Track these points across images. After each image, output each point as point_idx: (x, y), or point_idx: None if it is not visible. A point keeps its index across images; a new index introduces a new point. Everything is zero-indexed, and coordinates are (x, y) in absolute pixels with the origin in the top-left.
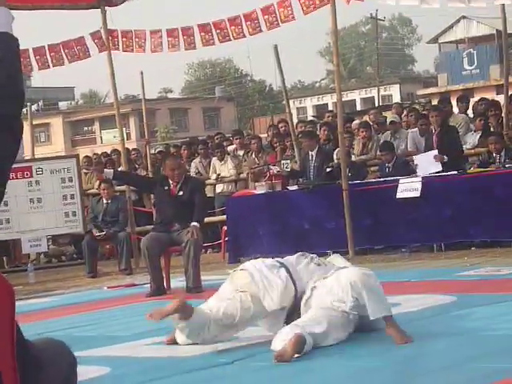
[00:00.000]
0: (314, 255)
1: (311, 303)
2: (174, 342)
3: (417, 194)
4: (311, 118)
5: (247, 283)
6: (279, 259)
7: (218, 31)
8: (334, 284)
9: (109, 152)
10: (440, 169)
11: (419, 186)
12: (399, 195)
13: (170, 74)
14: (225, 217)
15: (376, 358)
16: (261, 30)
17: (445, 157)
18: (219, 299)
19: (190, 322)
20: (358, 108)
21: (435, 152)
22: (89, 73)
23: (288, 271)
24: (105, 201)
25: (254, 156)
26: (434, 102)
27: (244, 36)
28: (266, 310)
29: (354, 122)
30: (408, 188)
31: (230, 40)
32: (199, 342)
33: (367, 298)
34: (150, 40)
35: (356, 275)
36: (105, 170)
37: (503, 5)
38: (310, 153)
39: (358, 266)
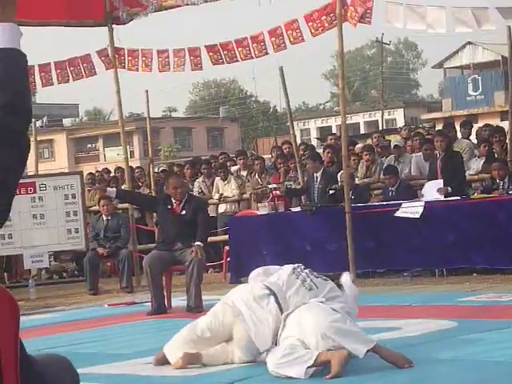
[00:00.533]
0: (308, 272)
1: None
2: (162, 363)
3: (417, 215)
4: (314, 140)
5: (236, 324)
6: (270, 281)
7: (225, 52)
8: (303, 325)
9: (112, 169)
10: (443, 198)
11: (421, 209)
12: (398, 214)
13: (174, 93)
14: (227, 237)
15: (378, 381)
16: (267, 53)
17: (449, 188)
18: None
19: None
20: (362, 131)
21: (440, 183)
22: (94, 90)
23: (277, 300)
24: (105, 217)
25: (257, 177)
26: (438, 126)
27: (252, 57)
28: (257, 348)
29: (358, 146)
30: (409, 211)
31: (237, 61)
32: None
33: (345, 343)
34: (158, 59)
35: (324, 326)
36: (108, 188)
37: (509, 31)
38: (314, 175)
39: (325, 310)
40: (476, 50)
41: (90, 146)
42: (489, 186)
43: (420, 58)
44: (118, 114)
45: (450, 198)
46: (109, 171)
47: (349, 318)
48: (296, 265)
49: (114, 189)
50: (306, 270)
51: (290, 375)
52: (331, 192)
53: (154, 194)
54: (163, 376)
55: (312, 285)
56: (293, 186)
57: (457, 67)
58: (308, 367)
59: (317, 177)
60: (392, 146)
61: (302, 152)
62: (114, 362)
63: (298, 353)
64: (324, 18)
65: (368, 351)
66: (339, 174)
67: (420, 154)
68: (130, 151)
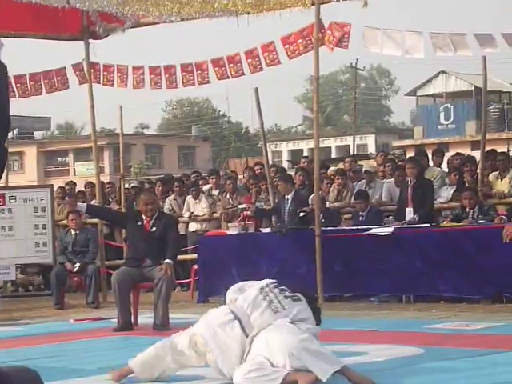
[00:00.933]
0: (278, 292)
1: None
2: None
3: (389, 231)
4: (286, 162)
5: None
6: (237, 303)
7: (198, 72)
8: (270, 344)
9: (81, 184)
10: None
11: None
12: (373, 232)
13: (146, 110)
14: (196, 255)
15: None
16: (243, 73)
17: (416, 217)
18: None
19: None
20: (333, 155)
21: (411, 212)
22: (66, 104)
23: (241, 325)
24: (73, 232)
25: (228, 196)
26: (409, 153)
27: (227, 77)
28: (225, 374)
29: (330, 169)
30: (380, 231)
31: (208, 82)
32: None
33: (312, 362)
34: (132, 76)
35: (292, 345)
36: (78, 203)
37: (484, 60)
38: (285, 196)
39: (293, 329)
40: (449, 79)
41: (60, 159)
42: (458, 215)
43: (393, 84)
44: (90, 129)
45: (419, 225)
46: (74, 184)
47: (316, 339)
48: (267, 282)
49: (85, 204)
50: (275, 290)
51: None
52: (302, 214)
53: (123, 210)
54: None
55: (279, 307)
56: (263, 207)
57: (429, 95)
58: None
59: (288, 199)
60: (363, 172)
61: (273, 174)
62: (78, 377)
63: (265, 370)
64: (300, 41)
65: (335, 373)
66: (310, 197)
67: (392, 180)
68: (100, 166)
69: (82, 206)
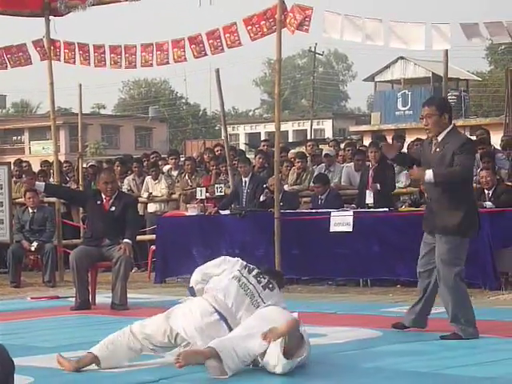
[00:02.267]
0: (255, 282)
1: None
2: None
3: (349, 228)
4: (243, 145)
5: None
6: (218, 299)
7: (158, 52)
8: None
9: (37, 163)
10: (371, 201)
11: (351, 220)
12: (333, 229)
13: (103, 90)
14: (154, 236)
15: None
16: (206, 54)
17: (377, 185)
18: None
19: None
20: (290, 139)
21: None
22: (22, 82)
23: (228, 324)
24: (30, 210)
25: (186, 177)
26: (366, 139)
27: (185, 60)
28: None
29: (291, 152)
30: (341, 222)
31: (168, 63)
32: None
33: None
34: (94, 54)
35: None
36: (36, 182)
37: (447, 52)
38: (243, 179)
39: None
40: (407, 66)
41: (15, 138)
42: (417, 200)
43: (350, 70)
44: (49, 107)
45: (377, 210)
46: (21, 161)
47: None
48: (239, 267)
49: (43, 183)
50: (251, 278)
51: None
52: (262, 199)
53: (81, 189)
54: (86, 371)
55: (260, 301)
56: (223, 189)
57: (388, 81)
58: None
59: (245, 181)
60: (323, 155)
61: (232, 156)
62: (37, 354)
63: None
64: (263, 22)
65: None
66: (270, 179)
67: (351, 164)
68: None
69: (40, 184)
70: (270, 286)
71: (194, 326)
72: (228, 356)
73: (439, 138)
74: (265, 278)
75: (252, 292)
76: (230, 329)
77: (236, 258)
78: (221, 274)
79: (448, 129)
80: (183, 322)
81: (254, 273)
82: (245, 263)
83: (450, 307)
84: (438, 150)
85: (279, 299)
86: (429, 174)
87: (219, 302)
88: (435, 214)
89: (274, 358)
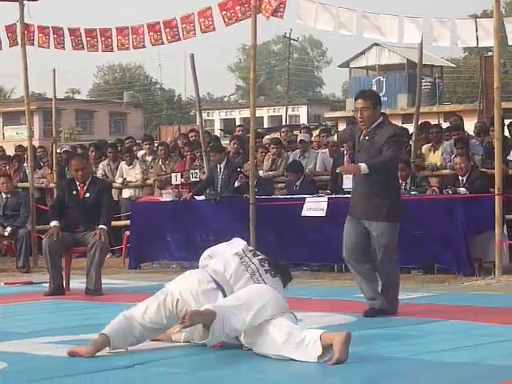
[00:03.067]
0: (257, 263)
1: None
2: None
3: (322, 213)
4: (218, 131)
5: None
6: (217, 271)
7: (134, 36)
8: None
9: (11, 148)
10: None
11: (325, 205)
12: (305, 213)
13: (77, 75)
14: (129, 222)
15: (277, 370)
16: (180, 39)
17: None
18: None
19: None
20: (266, 125)
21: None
22: None
23: (225, 295)
24: (4, 195)
25: (160, 163)
26: (341, 125)
27: (162, 43)
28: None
29: (266, 137)
30: (314, 207)
31: (144, 47)
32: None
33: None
34: (70, 38)
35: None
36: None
37: (421, 40)
38: (218, 165)
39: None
40: (382, 52)
41: None
42: None
43: (325, 56)
44: (23, 92)
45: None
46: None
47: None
48: (243, 248)
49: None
50: (255, 260)
51: (299, 359)
52: (237, 185)
53: (55, 175)
54: (60, 357)
55: (260, 280)
56: (198, 175)
57: (363, 67)
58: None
59: (220, 167)
60: (298, 141)
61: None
62: (10, 340)
63: (296, 337)
64: (238, 7)
65: None
66: (245, 165)
67: (326, 150)
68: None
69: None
70: (273, 273)
71: (190, 290)
72: (217, 322)
73: (369, 128)
74: (268, 266)
75: (253, 270)
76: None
77: (242, 240)
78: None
79: (379, 120)
80: (180, 285)
81: (258, 257)
82: (251, 247)
83: (384, 289)
84: (367, 137)
85: (279, 287)
86: (364, 167)
87: (218, 274)
88: (365, 201)
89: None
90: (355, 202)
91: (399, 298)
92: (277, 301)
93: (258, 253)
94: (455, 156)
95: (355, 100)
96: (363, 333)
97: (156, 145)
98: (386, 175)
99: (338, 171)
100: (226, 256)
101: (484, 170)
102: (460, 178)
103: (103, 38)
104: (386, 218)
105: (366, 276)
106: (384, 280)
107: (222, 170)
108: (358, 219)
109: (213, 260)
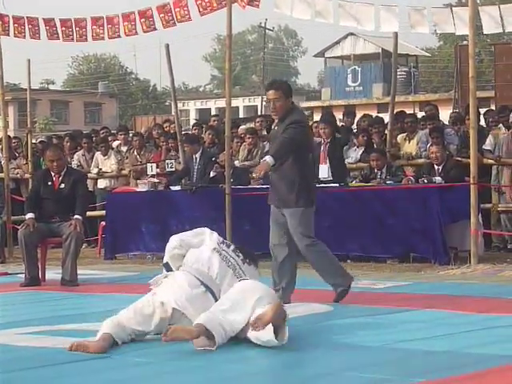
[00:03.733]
0: (234, 256)
1: None
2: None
3: None
4: (193, 121)
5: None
6: (201, 271)
7: (109, 26)
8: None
9: None
10: (326, 175)
11: None
12: None
13: (52, 66)
14: (104, 212)
15: (253, 362)
16: (155, 29)
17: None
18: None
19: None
20: (241, 115)
21: (325, 169)
22: None
23: (214, 296)
24: None
25: (135, 153)
26: (316, 115)
27: (136, 33)
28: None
29: (241, 127)
30: None
31: (119, 37)
32: None
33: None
34: (45, 28)
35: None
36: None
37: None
38: (193, 156)
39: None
40: (357, 41)
41: None
42: (367, 175)
43: (300, 45)
44: None
45: (328, 185)
46: None
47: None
48: (218, 243)
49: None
50: (231, 253)
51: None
52: (212, 175)
53: (30, 166)
54: (34, 347)
55: (241, 273)
56: (174, 165)
57: (338, 57)
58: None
59: (196, 158)
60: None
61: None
62: None
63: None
64: None
65: None
66: (221, 155)
67: None
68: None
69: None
70: (248, 260)
71: (185, 296)
72: (217, 333)
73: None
74: (243, 255)
75: (234, 264)
76: (216, 300)
77: (211, 231)
78: (199, 246)
79: (288, 109)
80: (173, 295)
81: (231, 248)
82: (221, 238)
83: (323, 274)
84: (277, 127)
85: (256, 275)
86: (269, 160)
87: (203, 275)
88: (276, 188)
89: (265, 336)
90: (271, 189)
91: (375, 286)
92: (266, 290)
93: (228, 242)
94: (431, 145)
95: (266, 91)
96: (341, 321)
97: (131, 135)
98: (292, 162)
99: (253, 177)
100: (204, 253)
101: (459, 159)
102: (436, 167)
103: (78, 28)
104: (295, 204)
105: (283, 265)
106: (314, 266)
107: (198, 160)
108: (276, 207)
109: (189, 257)
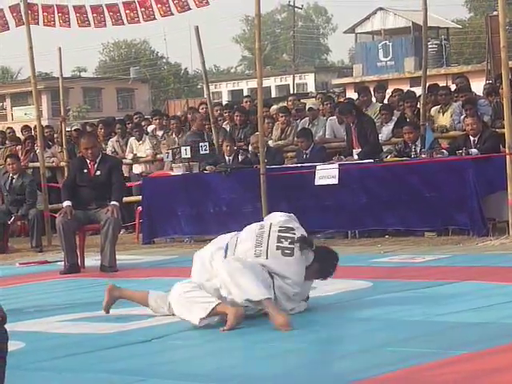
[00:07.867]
0: (274, 236)
1: None
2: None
3: (335, 181)
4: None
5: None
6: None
7: (142, 9)
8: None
9: (18, 129)
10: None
11: (336, 173)
12: (318, 182)
13: (83, 53)
14: (140, 197)
15: (294, 339)
16: (190, 8)
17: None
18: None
19: None
20: (273, 95)
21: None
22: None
23: (225, 254)
24: (11, 175)
25: (174, 136)
26: (349, 91)
27: (172, 14)
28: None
29: (273, 107)
30: (326, 175)
31: (155, 19)
32: None
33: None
34: (75, 15)
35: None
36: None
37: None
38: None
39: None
40: (387, 16)
41: None
42: (401, 150)
43: (330, 23)
44: (29, 72)
45: (363, 161)
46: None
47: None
48: (277, 222)
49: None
50: (274, 234)
51: (184, 317)
52: (240, 159)
53: (65, 154)
54: (78, 334)
55: (262, 254)
56: (207, 147)
57: (368, 33)
58: (202, 318)
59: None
60: (307, 109)
61: (217, 113)
62: (28, 319)
63: (201, 293)
64: None
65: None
66: (252, 136)
67: (335, 117)
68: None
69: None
70: (288, 251)
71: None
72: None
73: None
74: (289, 244)
75: (261, 241)
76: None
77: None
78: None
79: None
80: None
81: (282, 234)
82: (285, 227)
83: None
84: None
85: (288, 271)
86: None
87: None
88: None
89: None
90: None
91: (414, 261)
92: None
93: (290, 233)
94: (466, 117)
95: None
96: (380, 297)
97: (166, 119)
98: None
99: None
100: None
101: (494, 129)
102: (471, 138)
103: (111, 13)
104: None
105: None
106: None
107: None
108: None
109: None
